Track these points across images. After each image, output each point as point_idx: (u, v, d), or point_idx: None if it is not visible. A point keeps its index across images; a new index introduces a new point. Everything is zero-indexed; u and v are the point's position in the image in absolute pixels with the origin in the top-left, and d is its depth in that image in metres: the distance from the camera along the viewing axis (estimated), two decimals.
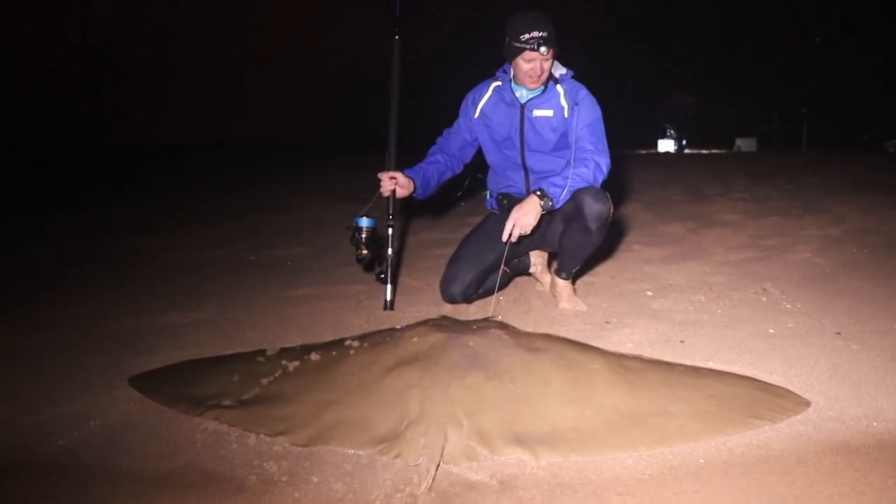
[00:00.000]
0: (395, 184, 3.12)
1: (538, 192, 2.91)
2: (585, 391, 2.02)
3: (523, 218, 2.89)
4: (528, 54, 2.99)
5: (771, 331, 2.73)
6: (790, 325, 2.79)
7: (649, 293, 3.40)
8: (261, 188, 8.87)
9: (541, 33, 2.93)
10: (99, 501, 1.61)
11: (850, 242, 4.40)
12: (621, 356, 2.32)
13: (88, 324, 3.12)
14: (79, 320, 3.18)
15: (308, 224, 6.01)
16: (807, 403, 2.02)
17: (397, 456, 1.73)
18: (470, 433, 1.80)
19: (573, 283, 3.29)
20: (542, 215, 2.93)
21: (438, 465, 1.67)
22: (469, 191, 3.64)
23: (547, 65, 3.03)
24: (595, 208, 2.91)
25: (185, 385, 2.25)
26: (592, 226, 2.94)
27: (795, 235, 4.71)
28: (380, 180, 3.14)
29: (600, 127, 3.08)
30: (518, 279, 3.68)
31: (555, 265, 3.30)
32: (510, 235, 2.90)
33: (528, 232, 2.93)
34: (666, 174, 9.32)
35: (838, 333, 2.66)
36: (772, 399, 2.04)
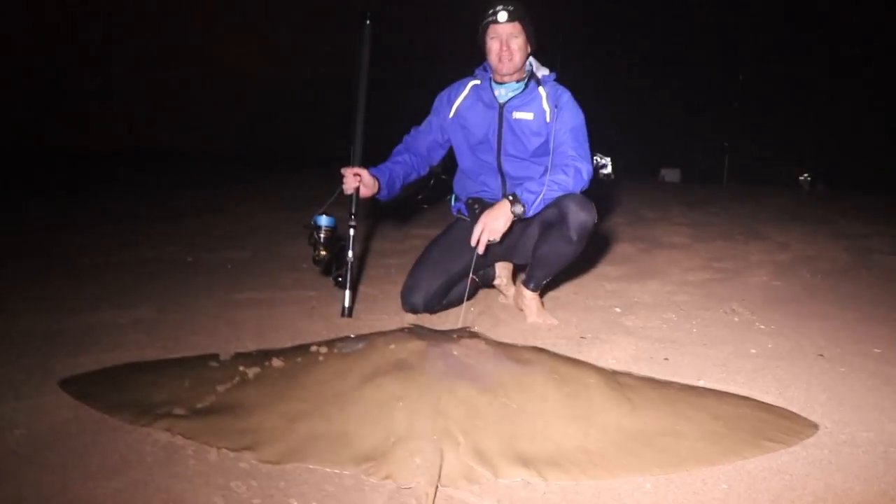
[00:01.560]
0: (359, 181, 2.89)
1: (510, 197, 2.74)
2: (584, 408, 1.84)
3: (492, 223, 2.71)
4: (490, 29, 2.86)
5: (753, 351, 2.63)
6: (770, 346, 2.70)
7: (618, 309, 3.26)
8: (194, 194, 8.37)
9: (502, 6, 2.82)
10: None
11: (801, 268, 4.40)
12: (614, 372, 2.15)
13: (12, 320, 2.77)
14: (1, 317, 2.82)
15: (245, 229, 5.65)
16: (815, 426, 1.90)
17: (387, 477, 1.51)
18: (468, 452, 1.60)
19: (541, 296, 3.12)
20: (514, 222, 2.76)
21: (437, 489, 1.46)
22: (432, 195, 3.44)
23: (514, 43, 2.87)
24: (580, 217, 2.74)
25: (127, 390, 1.95)
26: (574, 235, 2.76)
27: (746, 259, 4.70)
28: (342, 176, 2.91)
29: (583, 132, 2.93)
30: (481, 291, 3.48)
31: (522, 276, 3.13)
32: (478, 242, 2.72)
33: (497, 239, 2.75)
34: (600, 197, 9.33)
35: (821, 355, 2.58)
36: (779, 421, 1.91)
